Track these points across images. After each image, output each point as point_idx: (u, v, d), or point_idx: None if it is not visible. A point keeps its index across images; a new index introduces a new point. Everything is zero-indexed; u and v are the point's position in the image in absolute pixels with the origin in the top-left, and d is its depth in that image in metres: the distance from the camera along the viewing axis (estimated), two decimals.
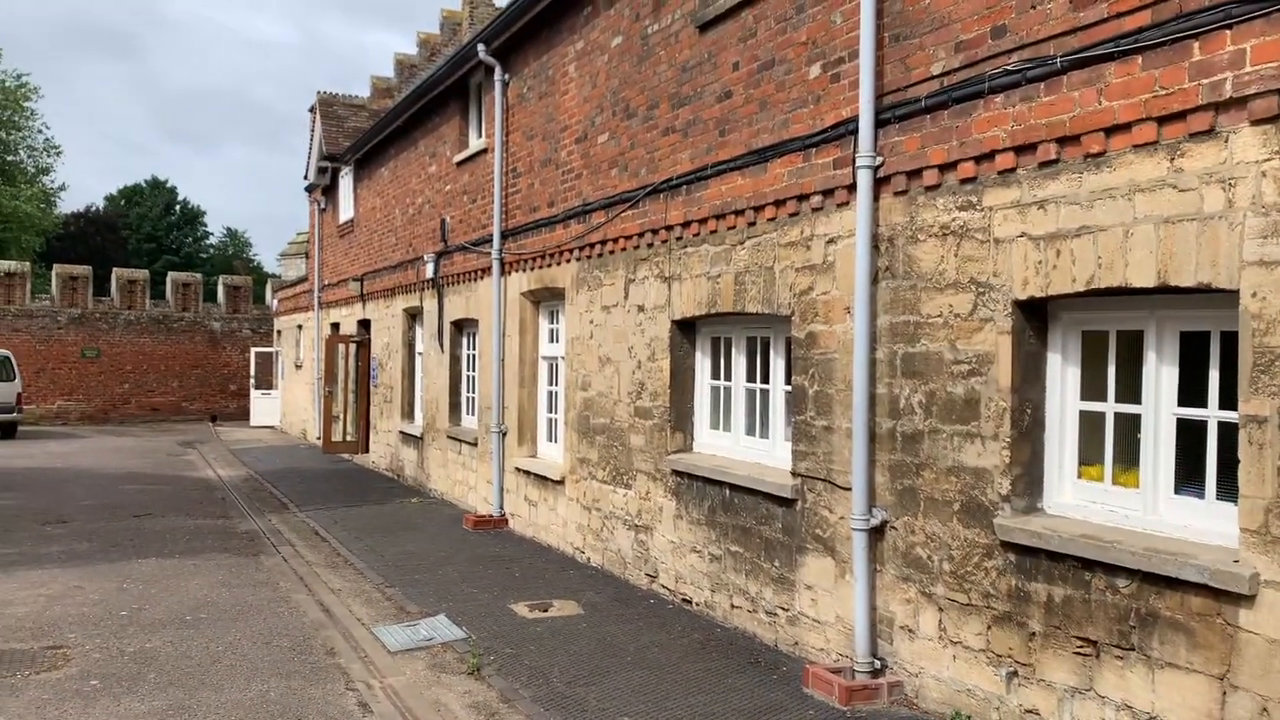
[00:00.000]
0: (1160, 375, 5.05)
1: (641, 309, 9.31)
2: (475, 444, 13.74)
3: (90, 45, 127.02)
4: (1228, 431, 4.71)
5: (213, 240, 65.76)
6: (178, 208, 61.28)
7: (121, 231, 55.99)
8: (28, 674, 6.82)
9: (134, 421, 32.15)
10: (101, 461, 20.61)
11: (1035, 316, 5.51)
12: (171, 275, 34.32)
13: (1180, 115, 4.55)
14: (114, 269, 33.78)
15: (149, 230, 58.55)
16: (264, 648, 7.49)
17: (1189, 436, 4.98)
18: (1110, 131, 4.88)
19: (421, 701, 6.39)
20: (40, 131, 45.69)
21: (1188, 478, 4.98)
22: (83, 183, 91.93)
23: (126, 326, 32.28)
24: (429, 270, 15.26)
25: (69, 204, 71.16)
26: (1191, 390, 4.95)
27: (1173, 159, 4.61)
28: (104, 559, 10.64)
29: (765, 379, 8.17)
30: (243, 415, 32.49)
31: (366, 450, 20.12)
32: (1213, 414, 4.82)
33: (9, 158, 44.15)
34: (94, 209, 56.43)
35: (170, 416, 32.87)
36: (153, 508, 14.35)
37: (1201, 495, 4.87)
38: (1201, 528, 4.81)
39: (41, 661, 7.09)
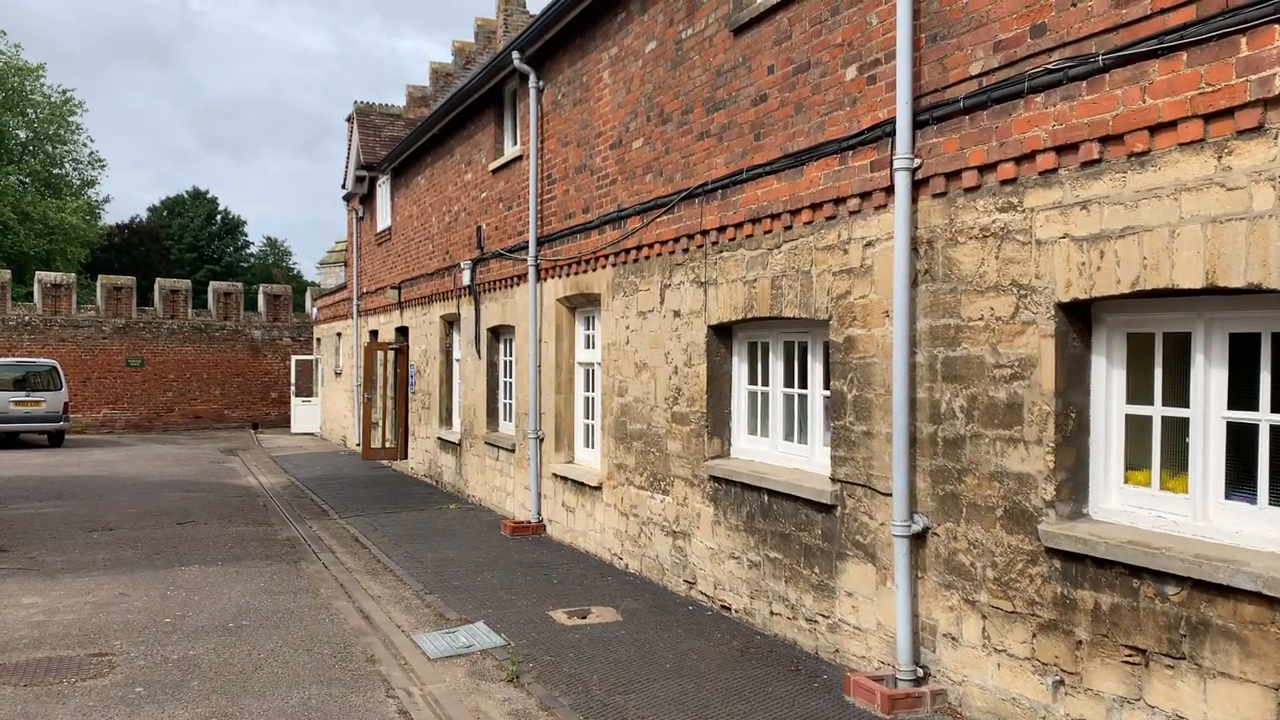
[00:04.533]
0: (1209, 378, 4.94)
1: (678, 314, 9.29)
2: (513, 450, 13.77)
3: (131, 56, 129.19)
4: None
5: (253, 249, 66.60)
6: (219, 218, 62.11)
7: (164, 242, 56.84)
8: (74, 681, 6.91)
9: (177, 429, 32.60)
10: (146, 469, 20.90)
11: (1079, 319, 5.42)
12: (213, 284, 34.76)
13: (1228, 112, 4.45)
14: (157, 279, 34.27)
15: (191, 240, 59.40)
16: (305, 655, 7.54)
17: (1240, 440, 4.87)
18: (1155, 130, 4.79)
19: (461, 709, 6.40)
20: (85, 145, 46.69)
21: (1238, 482, 4.87)
22: (126, 194, 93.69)
23: (169, 336, 32.75)
24: (465, 277, 15.34)
25: (113, 215, 72.47)
26: (1242, 393, 4.84)
27: (1220, 157, 4.52)
28: (148, 566, 10.78)
29: (803, 384, 8.10)
30: (283, 422, 32.84)
31: (405, 457, 20.25)
32: (1264, 417, 4.71)
33: (55, 171, 45.07)
34: (137, 220, 57.36)
35: (212, 424, 33.29)
36: (196, 515, 14.53)
37: (1254, 500, 4.76)
38: (1254, 534, 4.70)
39: (87, 668, 7.19)
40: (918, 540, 6.32)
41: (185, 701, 6.50)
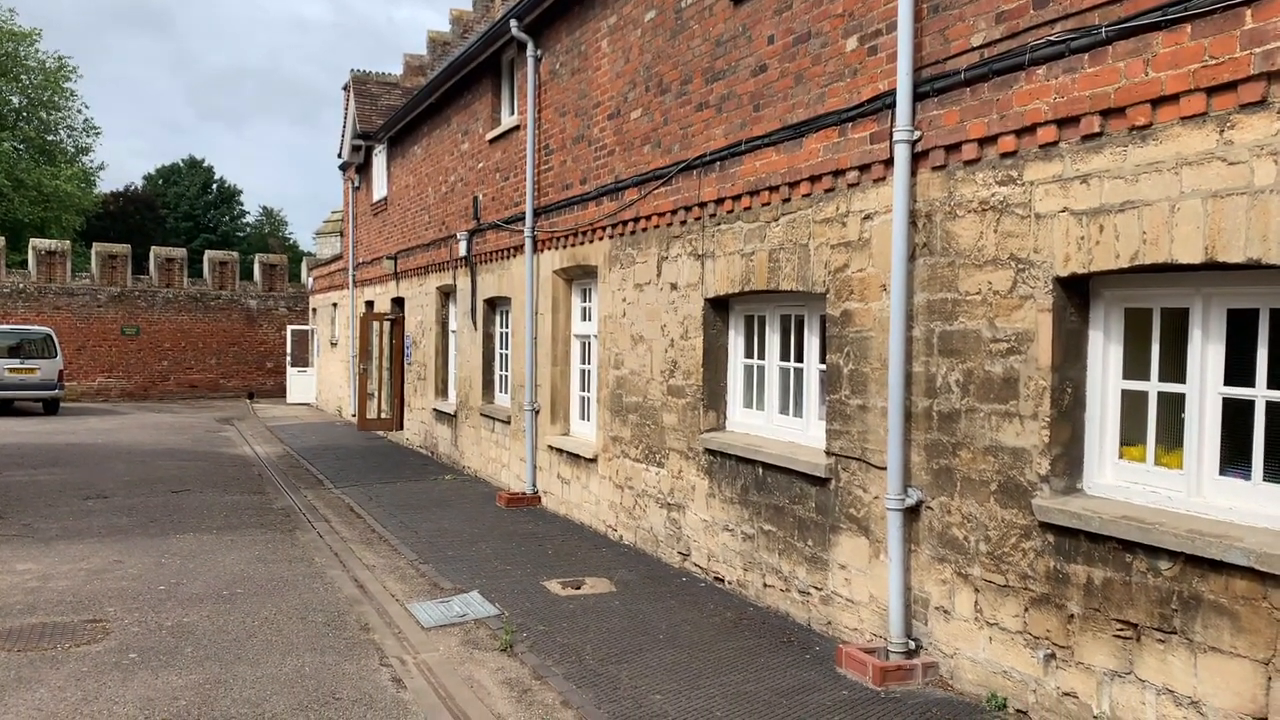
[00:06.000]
0: (1206, 354, 4.93)
1: (674, 287, 9.25)
2: (508, 422, 13.77)
3: (127, 24, 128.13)
4: (1276, 411, 4.59)
5: (249, 219, 66.34)
6: (215, 187, 61.80)
7: (160, 210, 56.55)
8: (68, 646, 6.92)
9: (173, 398, 32.57)
10: (141, 438, 20.89)
11: (1077, 293, 5.40)
12: (209, 254, 34.62)
13: (1231, 86, 4.42)
14: (152, 247, 34.13)
15: (187, 209, 59.12)
16: (299, 623, 7.56)
17: (1235, 417, 4.86)
18: (1157, 103, 4.75)
19: (454, 677, 6.42)
20: (80, 111, 46.37)
21: (1233, 459, 4.87)
22: (121, 162, 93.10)
23: (165, 304, 32.66)
24: (462, 248, 15.27)
25: (108, 183, 72.12)
26: (1238, 369, 4.83)
27: (1222, 131, 4.48)
28: (143, 534, 10.78)
29: (799, 358, 8.09)
30: (279, 392, 32.82)
31: (401, 427, 20.25)
32: (1260, 394, 4.70)
33: (49, 138, 44.75)
34: (132, 188, 57.02)
35: (208, 393, 33.27)
36: (191, 483, 14.53)
37: (1248, 477, 4.76)
38: (1247, 510, 4.70)
39: (81, 634, 7.20)
40: (911, 514, 6.33)
41: (179, 668, 6.51)
